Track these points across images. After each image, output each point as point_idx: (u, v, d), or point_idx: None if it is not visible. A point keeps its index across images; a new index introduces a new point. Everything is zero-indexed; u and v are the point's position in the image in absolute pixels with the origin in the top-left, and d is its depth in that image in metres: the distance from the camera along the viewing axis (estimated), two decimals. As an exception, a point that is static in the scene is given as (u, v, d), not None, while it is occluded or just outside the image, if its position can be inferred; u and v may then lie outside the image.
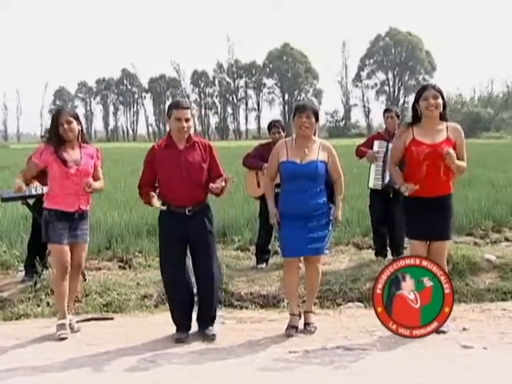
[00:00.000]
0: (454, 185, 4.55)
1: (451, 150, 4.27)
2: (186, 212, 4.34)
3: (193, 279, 4.53)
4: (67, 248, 4.57)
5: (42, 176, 5.83)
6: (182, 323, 4.47)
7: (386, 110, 6.57)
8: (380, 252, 6.46)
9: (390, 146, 5.95)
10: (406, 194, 4.37)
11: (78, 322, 4.78)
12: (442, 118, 4.46)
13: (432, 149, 4.35)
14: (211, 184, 4.30)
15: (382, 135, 6.48)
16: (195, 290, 4.53)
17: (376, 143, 6.33)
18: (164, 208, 4.37)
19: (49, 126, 5.92)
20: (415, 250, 4.52)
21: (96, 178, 4.70)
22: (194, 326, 4.53)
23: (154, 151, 4.43)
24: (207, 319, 4.49)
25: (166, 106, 4.60)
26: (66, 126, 4.51)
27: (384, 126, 6.70)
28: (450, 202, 4.50)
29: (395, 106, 7.11)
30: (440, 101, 4.38)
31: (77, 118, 4.61)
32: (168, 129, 4.51)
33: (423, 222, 4.42)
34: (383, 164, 6.19)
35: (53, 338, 4.51)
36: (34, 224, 6.11)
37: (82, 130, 4.65)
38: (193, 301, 4.53)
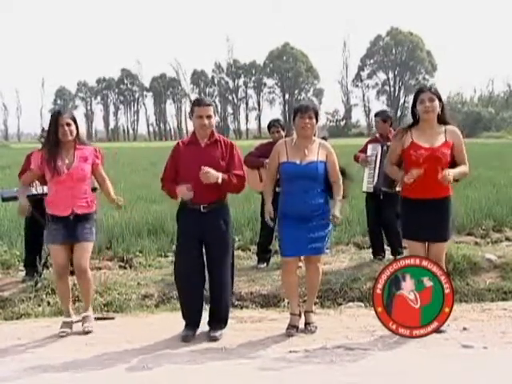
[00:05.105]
0: (453, 187, 4.53)
1: (446, 173, 4.18)
2: (201, 209, 4.33)
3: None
4: (61, 248, 4.55)
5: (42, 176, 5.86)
6: (191, 318, 4.45)
7: (376, 115, 6.63)
8: (377, 253, 6.51)
9: (385, 148, 6.08)
10: (411, 181, 4.29)
11: (77, 321, 4.74)
12: (441, 120, 4.44)
13: (430, 153, 4.34)
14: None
15: (377, 139, 6.55)
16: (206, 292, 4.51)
17: (369, 147, 6.43)
18: (191, 196, 4.25)
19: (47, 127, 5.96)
20: (413, 252, 4.52)
21: (99, 178, 4.75)
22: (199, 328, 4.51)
23: (178, 147, 4.45)
24: (217, 320, 4.46)
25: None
26: (65, 128, 4.53)
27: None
28: (448, 204, 4.47)
29: (386, 110, 7.06)
30: (436, 103, 4.34)
31: (75, 120, 4.62)
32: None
33: (420, 223, 4.40)
34: (374, 167, 6.27)
35: (53, 337, 4.52)
36: (31, 223, 6.09)
37: (77, 132, 4.64)
38: (203, 298, 4.49)
